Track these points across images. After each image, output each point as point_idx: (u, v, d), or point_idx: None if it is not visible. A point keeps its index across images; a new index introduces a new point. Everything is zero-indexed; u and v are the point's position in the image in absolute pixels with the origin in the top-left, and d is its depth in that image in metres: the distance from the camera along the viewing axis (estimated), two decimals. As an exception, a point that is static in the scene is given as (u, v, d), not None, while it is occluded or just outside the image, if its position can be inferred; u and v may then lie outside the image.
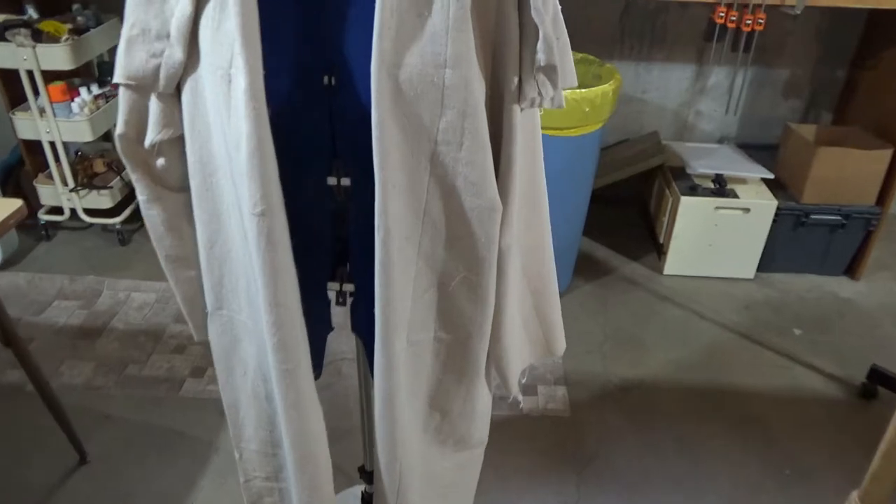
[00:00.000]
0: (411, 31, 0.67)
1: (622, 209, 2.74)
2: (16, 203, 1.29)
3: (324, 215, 0.81)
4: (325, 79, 0.72)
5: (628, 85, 2.57)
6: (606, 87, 1.84)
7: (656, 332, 2.12)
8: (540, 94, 0.75)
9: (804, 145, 2.26)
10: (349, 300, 0.88)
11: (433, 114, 0.70)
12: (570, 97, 1.78)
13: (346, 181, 0.79)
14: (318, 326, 0.90)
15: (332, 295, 0.87)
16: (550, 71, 0.73)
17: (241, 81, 0.66)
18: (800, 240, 2.32)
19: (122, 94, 0.79)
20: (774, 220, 2.25)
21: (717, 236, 2.28)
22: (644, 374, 1.96)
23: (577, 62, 2.16)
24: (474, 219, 0.78)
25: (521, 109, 0.76)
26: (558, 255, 2.25)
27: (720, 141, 2.67)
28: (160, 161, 0.84)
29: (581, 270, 2.37)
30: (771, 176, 2.29)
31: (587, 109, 1.81)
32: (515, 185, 0.80)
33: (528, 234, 0.90)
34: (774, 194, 2.26)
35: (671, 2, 2.30)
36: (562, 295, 2.22)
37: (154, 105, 0.78)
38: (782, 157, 2.39)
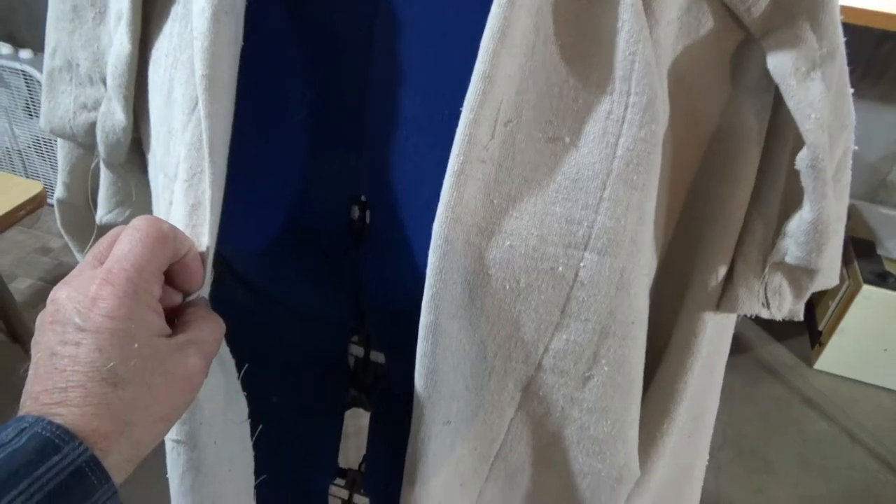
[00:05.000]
0: (529, 170, 0.32)
1: (775, 268, 2.24)
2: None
3: (335, 404, 0.49)
4: (355, 210, 0.39)
5: (820, 122, 2.04)
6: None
7: (791, 451, 1.67)
8: (767, 303, 0.38)
9: None
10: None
11: (543, 322, 0.35)
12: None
13: (378, 356, 0.46)
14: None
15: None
16: (803, 276, 0.36)
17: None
18: None
19: (60, 143, 0.49)
20: (985, 338, 1.71)
21: (898, 341, 1.77)
22: (766, 507, 1.54)
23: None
24: (584, 487, 0.43)
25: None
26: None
27: (926, 211, 2.10)
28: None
29: (709, 341, 1.93)
30: None
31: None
32: (670, 442, 0.44)
33: (670, 463, 0.54)
34: None
35: (910, 29, 1.74)
36: (679, 370, 1.81)
37: (103, 171, 0.48)
38: None
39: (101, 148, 0.44)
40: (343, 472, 0.53)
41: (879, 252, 1.81)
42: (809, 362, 1.92)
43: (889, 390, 1.86)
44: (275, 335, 0.48)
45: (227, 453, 0.43)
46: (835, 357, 1.86)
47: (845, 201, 0.37)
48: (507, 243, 0.33)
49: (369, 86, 0.36)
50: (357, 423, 0.54)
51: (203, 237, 0.35)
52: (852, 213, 1.95)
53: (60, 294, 0.30)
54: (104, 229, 0.51)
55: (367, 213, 0.38)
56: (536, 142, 0.31)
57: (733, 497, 1.56)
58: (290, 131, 0.37)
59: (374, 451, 0.49)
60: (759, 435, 1.71)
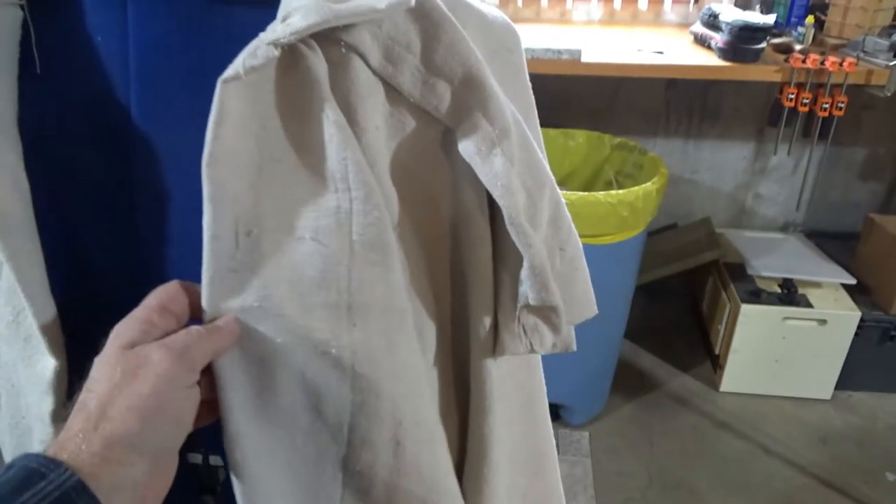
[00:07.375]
0: (282, 269, 0.37)
1: (669, 304, 2.38)
2: None
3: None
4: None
5: (675, 165, 2.24)
6: (649, 187, 1.51)
7: (713, 475, 1.74)
8: (530, 344, 0.43)
9: (892, 243, 1.88)
10: None
11: (339, 403, 0.40)
12: (603, 200, 1.46)
13: (217, 460, 0.48)
14: None
15: None
16: (547, 312, 0.42)
17: None
18: (888, 355, 1.92)
19: None
20: (856, 334, 1.86)
21: (785, 351, 1.90)
22: (699, 535, 1.58)
23: (614, 148, 1.84)
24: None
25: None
26: (592, 374, 1.88)
27: (784, 228, 2.30)
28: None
29: (621, 384, 2.00)
30: (852, 281, 1.91)
31: (626, 214, 1.49)
32: (499, 484, 0.47)
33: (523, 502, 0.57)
34: (856, 301, 1.88)
35: (722, 80, 1.97)
36: (597, 418, 1.86)
37: None
38: (863, 253, 2.01)
39: None
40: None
41: (749, 272, 1.96)
42: (715, 386, 2.02)
43: (789, 398, 1.97)
44: None
45: None
46: (735, 377, 1.97)
47: (576, 243, 0.44)
48: (279, 340, 0.37)
49: (138, 213, 0.41)
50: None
51: (46, 363, 0.38)
52: (721, 241, 2.12)
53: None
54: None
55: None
56: (283, 244, 0.36)
57: (668, 533, 1.59)
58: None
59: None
60: (681, 466, 1.77)
